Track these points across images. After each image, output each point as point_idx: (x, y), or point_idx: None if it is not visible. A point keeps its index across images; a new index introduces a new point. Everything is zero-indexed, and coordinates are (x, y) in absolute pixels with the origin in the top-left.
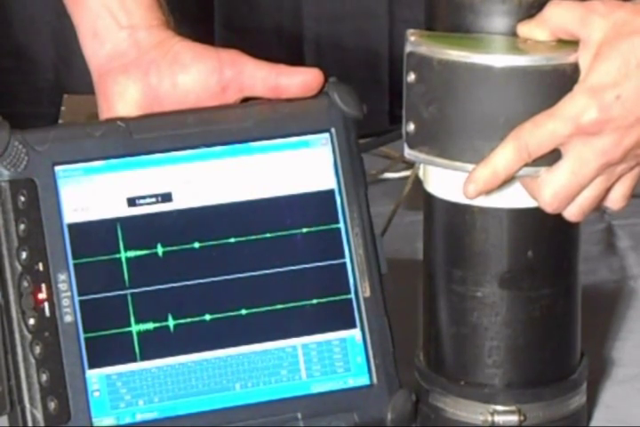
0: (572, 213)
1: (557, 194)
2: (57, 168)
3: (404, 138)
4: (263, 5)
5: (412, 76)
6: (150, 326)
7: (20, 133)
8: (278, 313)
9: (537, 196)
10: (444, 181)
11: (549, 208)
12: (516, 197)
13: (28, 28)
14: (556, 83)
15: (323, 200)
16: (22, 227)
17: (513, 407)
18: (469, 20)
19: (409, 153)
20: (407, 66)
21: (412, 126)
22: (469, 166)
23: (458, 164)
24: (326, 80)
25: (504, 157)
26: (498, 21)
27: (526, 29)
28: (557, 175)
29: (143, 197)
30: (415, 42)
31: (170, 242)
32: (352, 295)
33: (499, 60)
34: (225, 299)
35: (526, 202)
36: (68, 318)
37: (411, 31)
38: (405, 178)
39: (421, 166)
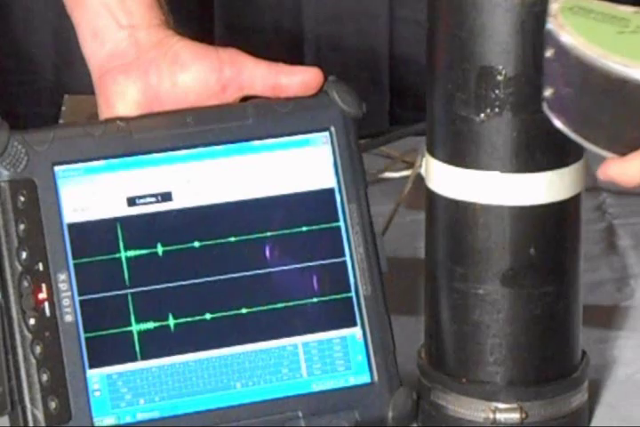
0: None
1: None
2: (57, 168)
3: (542, 98)
4: (263, 5)
5: (550, 52)
6: (151, 325)
7: (19, 134)
8: (279, 312)
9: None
10: (446, 178)
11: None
12: (518, 195)
13: (28, 28)
14: None
15: (323, 199)
16: (22, 227)
17: (514, 405)
18: (472, 16)
19: (547, 113)
20: (546, 41)
21: (549, 92)
22: (604, 152)
23: (592, 146)
24: (325, 79)
25: (637, 168)
26: (500, 18)
27: None
28: None
29: (143, 197)
30: (557, 23)
31: (170, 241)
32: (352, 294)
33: (636, 73)
34: (225, 298)
35: (528, 199)
36: (69, 318)
37: None
38: (405, 177)
39: (423, 164)
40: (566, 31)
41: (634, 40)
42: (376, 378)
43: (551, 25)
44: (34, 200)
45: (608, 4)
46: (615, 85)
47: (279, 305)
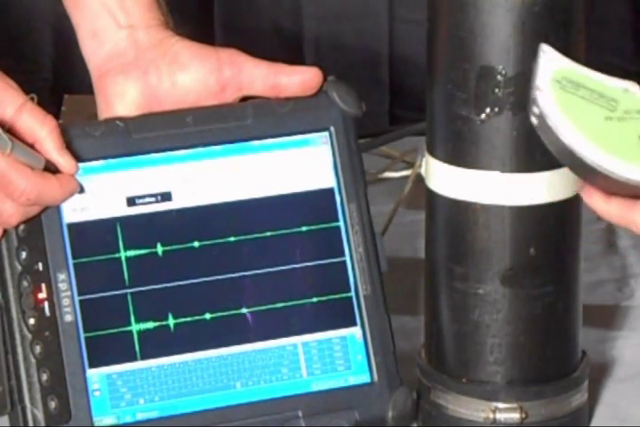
0: None
1: None
2: None
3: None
4: (263, 5)
5: (534, 120)
6: (150, 325)
7: None
8: (279, 311)
9: None
10: (446, 178)
11: None
12: (518, 195)
13: (27, 28)
14: None
15: (322, 198)
16: (22, 227)
17: (514, 405)
18: (472, 16)
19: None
20: (531, 108)
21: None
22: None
23: None
24: (325, 79)
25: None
26: (500, 18)
27: None
28: None
29: (142, 197)
30: (544, 98)
31: (169, 241)
32: (352, 293)
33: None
34: (225, 298)
35: (528, 199)
36: (68, 318)
37: None
38: (405, 177)
39: (423, 164)
40: (554, 110)
41: (619, 129)
42: (376, 378)
43: (538, 98)
44: None
45: (600, 76)
46: (591, 173)
47: (279, 305)
